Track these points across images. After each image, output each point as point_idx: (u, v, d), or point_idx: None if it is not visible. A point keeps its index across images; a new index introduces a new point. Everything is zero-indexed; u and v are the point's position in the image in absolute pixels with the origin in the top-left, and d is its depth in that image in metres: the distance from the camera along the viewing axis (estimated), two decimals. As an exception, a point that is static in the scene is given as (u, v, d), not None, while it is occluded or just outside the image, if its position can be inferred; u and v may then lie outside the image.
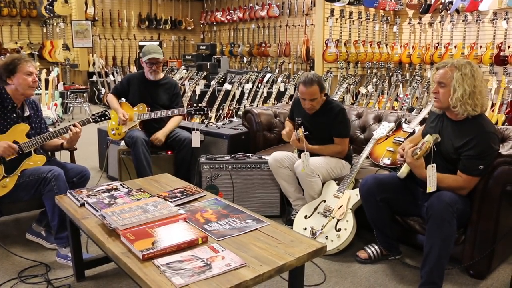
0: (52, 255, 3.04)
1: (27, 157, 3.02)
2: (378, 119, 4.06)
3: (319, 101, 3.42)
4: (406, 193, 2.87)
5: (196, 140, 4.09)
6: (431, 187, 2.55)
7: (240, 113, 6.26)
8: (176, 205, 2.43)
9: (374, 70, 8.85)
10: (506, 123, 6.33)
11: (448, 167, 2.63)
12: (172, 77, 7.21)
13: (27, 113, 3.17)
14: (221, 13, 12.50)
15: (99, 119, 3.33)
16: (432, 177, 2.55)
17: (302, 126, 3.37)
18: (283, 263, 1.88)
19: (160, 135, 4.04)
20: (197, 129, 4.18)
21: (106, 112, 3.36)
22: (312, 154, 3.40)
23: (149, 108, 4.13)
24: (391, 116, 3.97)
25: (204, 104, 4.19)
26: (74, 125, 3.12)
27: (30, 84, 3.05)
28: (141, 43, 11.12)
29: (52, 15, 10.90)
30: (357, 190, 3.07)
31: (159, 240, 1.98)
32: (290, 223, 3.43)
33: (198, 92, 6.98)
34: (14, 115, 3.07)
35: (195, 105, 4.11)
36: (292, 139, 3.39)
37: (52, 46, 11.07)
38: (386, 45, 8.91)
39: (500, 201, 2.62)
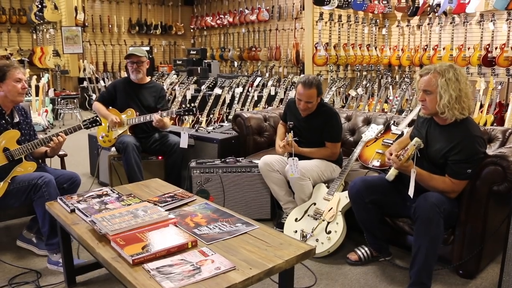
0: (43, 261, 3.03)
1: (18, 164, 3.01)
2: (367, 122, 4.09)
3: (315, 105, 3.45)
4: (394, 195, 2.89)
5: (184, 141, 4.09)
6: (410, 192, 2.60)
7: (230, 117, 6.29)
8: (166, 210, 2.44)
9: (364, 73, 8.90)
10: (495, 124, 6.39)
11: (436, 171, 2.66)
12: (162, 83, 7.24)
13: (16, 119, 3.16)
14: (211, 17, 12.53)
15: (90, 125, 3.33)
16: (412, 182, 2.59)
17: (292, 131, 3.40)
18: (272, 266, 1.89)
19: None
20: (185, 131, 4.19)
21: (97, 118, 3.37)
22: (302, 157, 3.43)
23: (138, 113, 4.14)
24: (380, 118, 4.01)
25: (193, 104, 4.17)
26: (58, 135, 3.12)
27: (19, 91, 3.05)
28: (131, 49, 11.10)
29: (42, 21, 10.86)
30: (346, 193, 3.09)
31: (149, 245, 1.99)
32: (280, 226, 3.44)
33: (188, 97, 6.99)
34: (3, 121, 3.07)
35: (183, 106, 4.10)
36: (282, 145, 3.40)
37: (42, 53, 11.03)
38: (376, 48, 8.97)
39: (487, 201, 2.66)
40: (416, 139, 2.60)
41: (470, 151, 2.55)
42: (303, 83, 3.36)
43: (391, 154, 2.73)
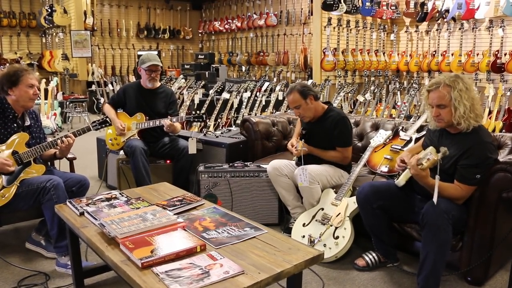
0: (51, 264, 3.05)
1: (27, 167, 3.03)
2: (376, 127, 4.08)
3: (307, 108, 3.45)
4: (403, 200, 2.89)
5: (192, 147, 4.10)
6: (434, 199, 2.55)
7: (238, 122, 6.30)
8: (174, 214, 2.44)
9: (372, 78, 8.89)
10: (504, 130, 6.36)
11: (446, 179, 2.62)
12: (170, 87, 7.27)
13: (27, 122, 3.19)
14: (219, 22, 12.58)
15: (99, 126, 3.35)
16: (436, 189, 2.55)
17: (303, 140, 3.42)
18: (280, 271, 1.89)
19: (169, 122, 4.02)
20: (194, 137, 4.20)
21: (106, 119, 3.38)
22: (312, 161, 3.45)
23: (147, 117, 4.15)
24: (388, 124, 4.00)
25: (202, 111, 4.19)
26: (67, 136, 3.13)
27: (31, 97, 3.08)
28: (140, 53, 11.17)
29: (51, 25, 10.96)
30: (354, 198, 3.09)
31: (158, 248, 2.00)
32: (288, 231, 3.44)
33: (196, 101, 7.01)
34: (15, 124, 3.09)
35: (193, 112, 4.12)
36: (294, 152, 3.46)
37: (51, 56, 11.12)
38: (384, 53, 8.96)
39: (496, 207, 2.64)
40: (442, 147, 2.53)
41: (480, 156, 2.54)
42: (286, 94, 3.50)
43: (401, 161, 2.72)
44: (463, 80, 2.58)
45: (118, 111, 4.33)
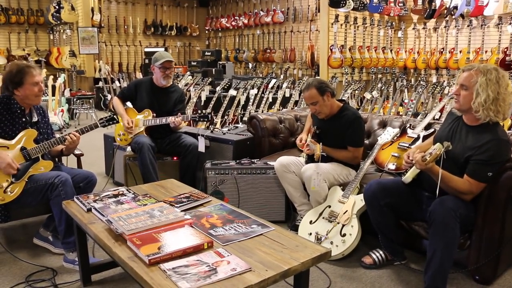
0: (59, 259, 3.06)
1: (35, 163, 3.04)
2: (383, 125, 4.07)
3: (323, 105, 3.42)
4: (410, 198, 2.87)
5: (202, 145, 4.11)
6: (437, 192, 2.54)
7: (245, 119, 6.29)
8: (181, 211, 2.45)
9: (379, 76, 8.84)
10: (512, 128, 6.30)
11: (455, 171, 2.60)
12: (177, 83, 7.28)
13: (35, 118, 3.19)
14: (226, 19, 12.55)
15: (107, 123, 3.37)
16: (438, 183, 2.54)
17: (321, 143, 3.40)
18: (288, 268, 1.89)
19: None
20: (203, 135, 4.20)
21: (114, 116, 3.40)
22: (322, 157, 3.43)
23: (154, 114, 4.15)
24: (396, 122, 3.98)
25: (209, 110, 4.18)
26: (72, 134, 3.14)
27: (36, 94, 3.08)
28: (146, 50, 11.17)
29: (59, 22, 11.00)
30: (362, 196, 3.07)
31: (165, 245, 2.00)
32: (295, 228, 3.43)
33: (203, 98, 7.01)
34: (23, 119, 3.10)
35: (199, 111, 4.12)
36: (305, 151, 3.44)
37: (59, 53, 11.16)
38: (391, 51, 8.92)
39: (505, 206, 2.62)
40: (446, 142, 2.54)
41: (494, 153, 2.51)
42: (303, 89, 3.45)
43: (408, 157, 2.70)
44: (498, 74, 2.54)
45: (126, 106, 4.32)
